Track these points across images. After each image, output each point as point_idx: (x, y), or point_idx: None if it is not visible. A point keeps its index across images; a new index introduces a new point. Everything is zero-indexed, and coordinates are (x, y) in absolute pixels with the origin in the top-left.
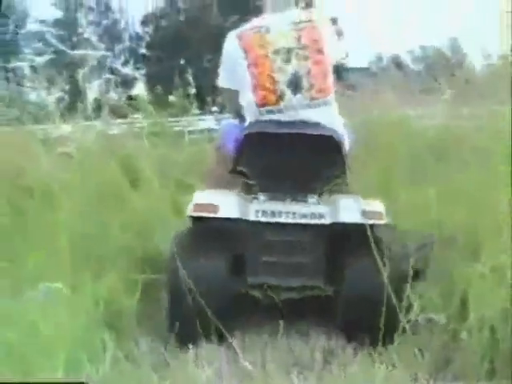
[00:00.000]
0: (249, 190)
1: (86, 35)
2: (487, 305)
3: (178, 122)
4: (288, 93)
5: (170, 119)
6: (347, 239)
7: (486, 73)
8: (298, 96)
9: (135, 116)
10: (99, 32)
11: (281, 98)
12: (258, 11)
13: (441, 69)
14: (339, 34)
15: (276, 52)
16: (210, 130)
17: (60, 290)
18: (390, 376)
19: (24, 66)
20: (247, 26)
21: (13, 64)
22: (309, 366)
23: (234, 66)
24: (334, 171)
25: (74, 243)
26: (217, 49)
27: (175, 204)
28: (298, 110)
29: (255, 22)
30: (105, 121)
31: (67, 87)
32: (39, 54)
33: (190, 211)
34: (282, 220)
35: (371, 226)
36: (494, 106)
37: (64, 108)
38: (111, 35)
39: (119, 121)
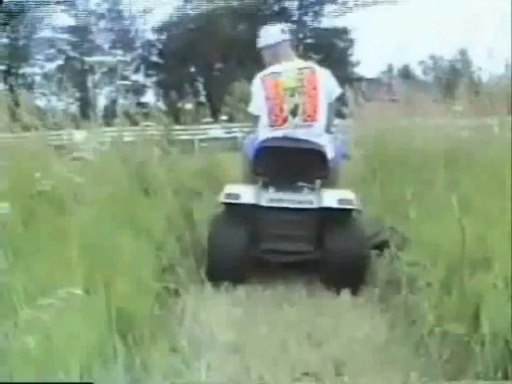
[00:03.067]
0: (265, 185)
1: (97, 42)
2: (501, 316)
3: (188, 130)
4: (290, 117)
5: (180, 127)
6: (330, 218)
7: (496, 84)
8: (296, 119)
9: (147, 123)
10: (111, 39)
11: (284, 121)
12: (265, 20)
13: (452, 79)
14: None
15: (285, 89)
16: (219, 139)
17: (75, 296)
18: None
19: (36, 71)
20: (267, 71)
21: (24, 70)
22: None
23: (258, 100)
24: (320, 172)
25: (86, 250)
26: (226, 58)
27: (186, 210)
28: (295, 129)
29: (272, 68)
30: (119, 128)
31: (79, 94)
32: (51, 60)
33: (221, 198)
34: (285, 205)
35: (349, 209)
36: (505, 116)
37: (76, 114)
38: (123, 42)
39: (131, 128)
